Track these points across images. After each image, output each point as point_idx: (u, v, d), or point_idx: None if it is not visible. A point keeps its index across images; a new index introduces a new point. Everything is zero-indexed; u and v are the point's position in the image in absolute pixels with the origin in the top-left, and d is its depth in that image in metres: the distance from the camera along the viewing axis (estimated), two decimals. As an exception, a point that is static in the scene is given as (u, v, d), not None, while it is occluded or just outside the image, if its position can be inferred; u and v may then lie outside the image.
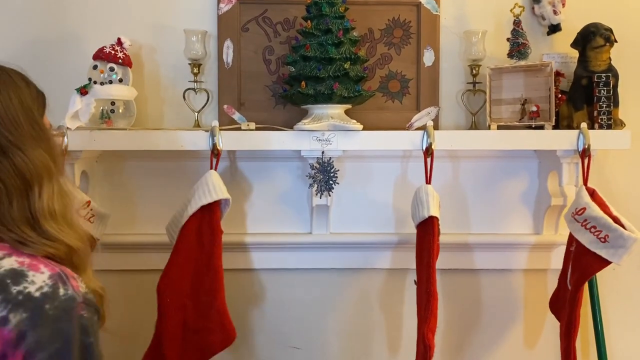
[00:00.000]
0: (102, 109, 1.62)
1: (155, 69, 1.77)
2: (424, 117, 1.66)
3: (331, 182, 1.61)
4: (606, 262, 1.50)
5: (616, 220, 1.50)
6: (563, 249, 1.68)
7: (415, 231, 1.61)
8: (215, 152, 1.57)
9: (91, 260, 1.07)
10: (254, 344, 1.85)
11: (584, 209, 1.52)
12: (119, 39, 1.64)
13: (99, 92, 1.59)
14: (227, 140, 1.58)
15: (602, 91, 1.61)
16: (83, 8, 1.75)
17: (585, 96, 1.64)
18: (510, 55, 1.68)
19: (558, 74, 1.70)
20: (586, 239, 1.52)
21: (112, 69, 1.62)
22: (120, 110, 1.64)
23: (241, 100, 1.75)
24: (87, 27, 1.75)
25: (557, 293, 1.71)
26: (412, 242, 1.63)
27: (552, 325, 1.77)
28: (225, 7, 1.73)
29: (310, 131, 1.58)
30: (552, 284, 1.76)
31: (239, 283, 1.82)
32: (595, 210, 1.50)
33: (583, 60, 1.66)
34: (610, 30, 1.63)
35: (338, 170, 1.62)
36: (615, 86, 1.64)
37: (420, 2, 1.75)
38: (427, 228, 1.54)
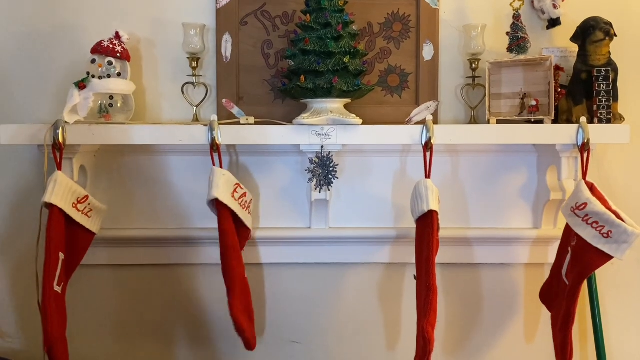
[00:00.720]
0: (101, 103, 1.62)
1: (154, 63, 1.76)
2: (423, 111, 1.66)
3: (330, 176, 1.61)
4: (608, 257, 1.51)
5: (616, 215, 1.50)
6: (562, 243, 1.68)
7: (414, 225, 1.61)
8: (214, 147, 1.56)
9: None
10: (253, 339, 1.85)
11: (585, 204, 1.52)
12: (117, 33, 1.64)
13: (97, 86, 1.59)
14: (226, 135, 1.57)
15: (602, 85, 1.60)
16: (81, 1, 1.74)
17: (584, 90, 1.64)
18: (509, 49, 1.68)
19: (557, 68, 1.69)
20: (588, 234, 1.51)
21: (110, 63, 1.61)
22: (119, 105, 1.64)
23: (240, 95, 1.74)
24: (85, 20, 1.74)
25: (549, 283, 1.72)
26: (412, 237, 1.63)
27: (549, 320, 1.78)
28: (223, 1, 1.73)
29: (310, 125, 1.57)
30: (550, 278, 1.76)
31: (238, 278, 1.82)
32: (597, 205, 1.50)
33: (582, 54, 1.66)
34: (610, 24, 1.62)
35: (337, 165, 1.62)
36: (615, 80, 1.63)
37: (420, -4, 1.74)
38: (427, 222, 1.54)
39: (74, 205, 1.57)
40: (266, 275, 1.83)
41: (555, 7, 1.71)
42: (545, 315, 1.75)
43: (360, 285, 1.85)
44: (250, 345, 1.61)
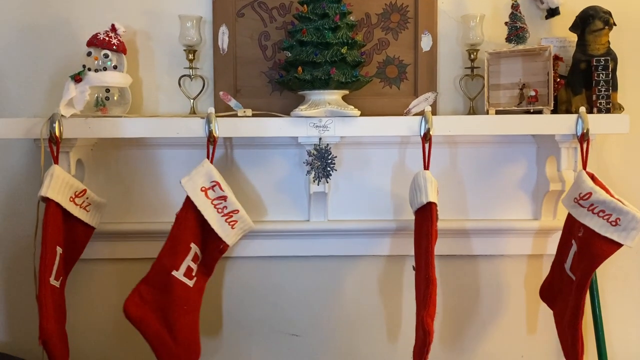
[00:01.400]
0: (97, 97, 1.61)
1: (150, 56, 1.75)
2: (422, 102, 1.65)
3: (329, 168, 1.60)
4: (617, 246, 1.49)
5: (620, 202, 1.49)
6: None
7: (413, 217, 1.61)
8: (211, 140, 1.55)
9: None
10: (252, 332, 1.85)
11: (590, 193, 1.51)
12: (112, 25, 1.62)
13: (94, 79, 1.57)
14: (223, 127, 1.56)
15: (601, 75, 1.59)
16: (76, -6, 1.73)
17: (583, 80, 1.63)
18: (508, 39, 1.67)
19: (556, 58, 1.68)
20: (595, 224, 1.50)
21: (106, 56, 1.60)
22: (115, 98, 1.63)
23: (237, 87, 1.73)
24: (81, 13, 1.73)
25: (550, 280, 1.71)
26: (411, 229, 1.62)
27: (550, 311, 1.77)
28: (220, -8, 1.71)
29: (307, 117, 1.56)
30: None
31: (238, 271, 1.82)
32: (602, 194, 1.50)
33: (582, 44, 1.65)
34: (609, 14, 1.61)
35: (336, 157, 1.61)
36: (614, 70, 1.62)
37: (418, -14, 1.73)
38: (426, 214, 1.53)
39: (71, 199, 1.56)
40: (265, 269, 1.83)
41: (554, -4, 1.70)
42: (545, 306, 1.74)
43: (359, 278, 1.84)
44: (160, 356, 1.56)
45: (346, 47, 1.55)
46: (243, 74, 1.73)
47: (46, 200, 1.51)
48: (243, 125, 1.59)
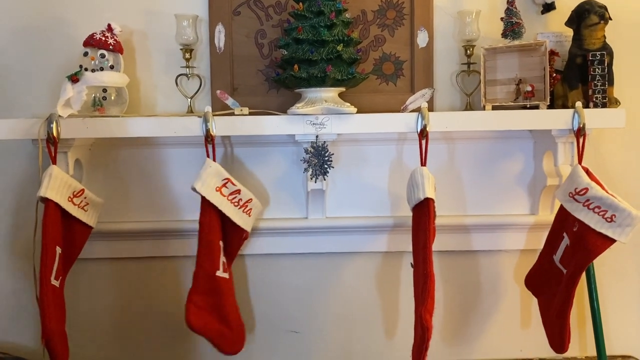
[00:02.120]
0: (94, 96, 1.61)
1: (147, 55, 1.75)
2: (418, 99, 1.65)
3: (326, 166, 1.61)
4: (611, 242, 1.51)
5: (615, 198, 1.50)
6: (559, 228, 1.68)
7: (411, 214, 1.61)
8: (209, 139, 1.56)
9: None
10: (252, 329, 1.85)
11: (586, 189, 1.52)
12: (109, 25, 1.62)
13: (91, 79, 1.57)
14: (221, 126, 1.57)
15: (597, 69, 1.60)
16: (72, -6, 1.73)
17: (580, 75, 1.64)
18: (504, 35, 1.67)
19: (552, 53, 1.69)
20: (590, 219, 1.51)
21: (103, 56, 1.60)
22: (113, 98, 1.63)
23: (234, 85, 1.74)
24: (77, 13, 1.73)
25: (537, 270, 1.72)
26: (408, 225, 1.63)
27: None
28: (216, -9, 1.71)
29: (304, 115, 1.56)
30: (548, 264, 1.76)
31: (237, 268, 1.82)
32: (598, 190, 1.50)
33: (577, 38, 1.65)
34: (605, 8, 1.61)
35: (333, 154, 1.61)
36: (610, 64, 1.63)
37: (413, -17, 1.73)
38: (423, 210, 1.54)
39: (69, 199, 1.57)
40: (264, 266, 1.83)
41: (549, -9, 1.70)
42: (543, 300, 1.75)
43: (358, 274, 1.85)
44: (222, 348, 1.61)
45: (342, 44, 1.55)
46: (240, 72, 1.73)
47: (45, 200, 1.52)
48: (240, 124, 1.59)
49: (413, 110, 1.63)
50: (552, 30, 1.75)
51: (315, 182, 1.65)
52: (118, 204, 1.77)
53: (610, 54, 1.63)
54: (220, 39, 1.72)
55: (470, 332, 1.88)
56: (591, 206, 1.52)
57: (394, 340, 1.87)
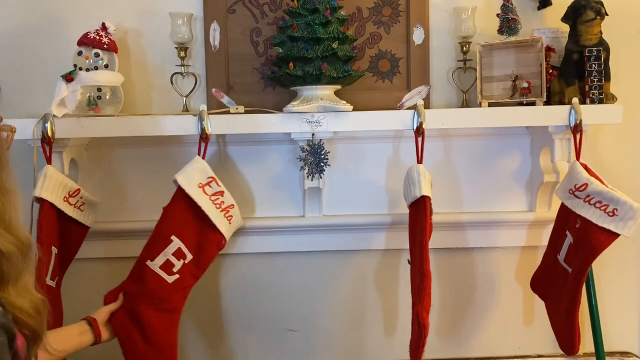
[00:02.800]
0: (89, 96, 1.60)
1: (142, 54, 1.75)
2: (414, 96, 1.65)
3: (322, 164, 1.60)
4: (615, 236, 1.50)
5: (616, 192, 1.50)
6: (556, 225, 1.67)
7: (408, 211, 1.61)
8: (204, 137, 1.55)
9: (31, 269, 0.95)
10: (249, 328, 1.85)
11: (586, 184, 1.51)
12: (103, 24, 1.62)
13: (85, 78, 1.57)
14: (216, 125, 1.56)
15: (593, 65, 1.59)
16: (65, -7, 1.72)
17: (576, 71, 1.63)
18: (500, 31, 1.66)
19: (549, 49, 1.68)
20: (592, 215, 1.50)
21: (97, 55, 1.59)
22: (107, 97, 1.62)
23: (230, 84, 1.73)
24: (71, 12, 1.72)
25: (542, 271, 1.71)
26: (405, 222, 1.62)
27: (546, 302, 1.78)
28: (210, -11, 1.71)
29: (300, 113, 1.56)
30: (546, 261, 1.76)
31: (234, 268, 1.82)
32: (598, 185, 1.50)
33: (574, 34, 1.64)
34: (601, 3, 1.61)
35: (329, 152, 1.61)
36: (607, 60, 1.62)
37: (409, -21, 1.72)
38: (420, 208, 1.53)
39: (65, 199, 1.56)
40: (261, 265, 1.83)
41: (546, -13, 1.70)
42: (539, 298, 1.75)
43: (356, 272, 1.84)
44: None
45: (337, 41, 1.54)
46: (235, 70, 1.73)
47: (40, 200, 1.51)
48: (236, 122, 1.58)
49: (409, 108, 1.63)
50: (549, 26, 1.75)
51: (312, 180, 1.65)
52: (114, 203, 1.77)
53: (607, 49, 1.62)
54: (215, 37, 1.71)
55: (468, 329, 1.88)
56: (592, 201, 1.51)
57: (394, 337, 1.87)
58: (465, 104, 1.75)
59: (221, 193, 1.56)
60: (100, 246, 1.77)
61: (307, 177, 1.63)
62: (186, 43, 1.69)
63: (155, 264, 1.51)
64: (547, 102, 1.64)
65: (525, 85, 1.63)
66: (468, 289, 1.86)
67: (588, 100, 1.60)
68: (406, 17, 1.74)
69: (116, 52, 1.62)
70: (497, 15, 1.67)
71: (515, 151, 1.80)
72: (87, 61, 1.59)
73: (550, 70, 1.66)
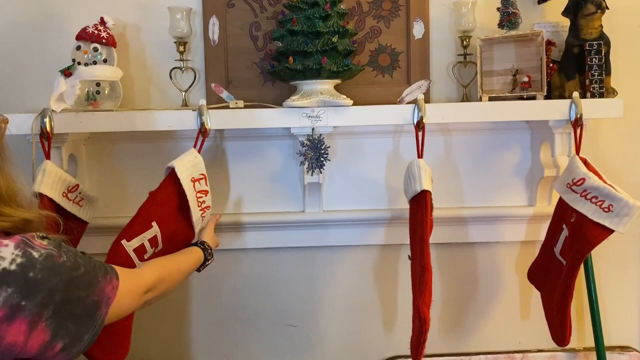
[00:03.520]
0: (88, 91, 1.59)
1: (141, 49, 1.74)
2: (414, 90, 1.64)
3: (322, 159, 1.60)
4: (609, 232, 1.50)
5: (612, 188, 1.49)
6: (557, 220, 1.67)
7: (407, 206, 1.60)
8: (203, 132, 1.54)
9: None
10: (250, 323, 1.85)
11: (583, 179, 1.51)
12: (101, 19, 1.61)
13: (83, 73, 1.56)
14: (216, 119, 1.55)
15: (594, 59, 1.59)
16: (64, -13, 1.71)
17: (577, 65, 1.63)
18: (500, 25, 1.66)
19: (549, 43, 1.68)
20: (588, 209, 1.50)
21: (96, 50, 1.58)
22: (106, 92, 1.61)
23: (229, 78, 1.72)
24: (69, 6, 1.71)
25: (539, 263, 1.72)
26: (406, 218, 1.62)
27: (546, 296, 1.78)
28: (209, -17, 1.70)
29: (300, 108, 1.55)
30: (546, 255, 1.76)
31: (234, 263, 1.82)
32: (595, 180, 1.49)
33: (574, 28, 1.64)
34: (602, -3, 1.60)
35: (329, 147, 1.60)
36: (607, 54, 1.62)
37: (409, -27, 1.71)
38: (420, 202, 1.53)
39: (64, 195, 1.55)
40: (261, 260, 1.82)
41: (546, -19, 1.69)
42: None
43: (355, 268, 1.84)
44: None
45: (337, 36, 1.53)
46: (234, 65, 1.72)
47: (39, 196, 1.50)
48: (235, 117, 1.58)
49: (409, 102, 1.62)
50: (549, 20, 1.74)
51: (312, 176, 1.65)
52: (113, 198, 1.76)
53: (607, 43, 1.62)
54: (214, 32, 1.70)
55: (469, 324, 1.88)
56: (588, 196, 1.51)
57: (393, 332, 1.87)
58: (466, 98, 1.74)
59: (205, 192, 1.54)
60: (99, 241, 1.76)
61: (307, 172, 1.62)
62: (185, 37, 1.68)
63: (130, 245, 1.45)
64: (548, 97, 1.64)
65: (526, 79, 1.63)
66: (468, 283, 1.86)
67: (588, 94, 1.60)
68: (406, 11, 1.73)
69: (115, 47, 1.61)
70: (498, 9, 1.66)
71: (516, 146, 1.80)
72: (85, 56, 1.58)
73: (551, 65, 1.66)
